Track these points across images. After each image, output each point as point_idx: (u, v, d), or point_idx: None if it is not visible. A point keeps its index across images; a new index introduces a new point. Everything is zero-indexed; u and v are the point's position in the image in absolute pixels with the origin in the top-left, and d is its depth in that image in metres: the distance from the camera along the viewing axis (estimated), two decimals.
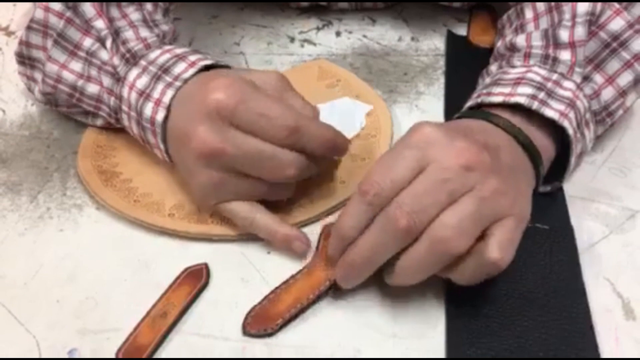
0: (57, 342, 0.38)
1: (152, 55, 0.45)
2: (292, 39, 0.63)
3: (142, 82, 0.44)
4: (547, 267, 0.41)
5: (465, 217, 0.34)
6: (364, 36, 0.63)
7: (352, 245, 0.37)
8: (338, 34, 0.64)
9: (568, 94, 0.43)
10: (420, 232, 0.35)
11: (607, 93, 0.44)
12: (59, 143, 0.52)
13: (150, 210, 0.45)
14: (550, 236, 0.43)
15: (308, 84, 0.56)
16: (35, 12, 0.48)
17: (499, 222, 0.35)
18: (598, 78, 0.44)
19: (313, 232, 0.43)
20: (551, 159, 0.43)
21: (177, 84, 0.43)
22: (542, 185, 0.43)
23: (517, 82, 0.43)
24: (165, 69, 0.44)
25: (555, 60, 0.44)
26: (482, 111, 0.43)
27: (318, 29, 0.65)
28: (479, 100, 0.43)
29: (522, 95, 0.42)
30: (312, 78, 0.57)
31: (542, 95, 0.42)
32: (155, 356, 0.37)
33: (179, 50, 0.46)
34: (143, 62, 0.45)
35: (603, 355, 0.36)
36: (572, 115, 0.42)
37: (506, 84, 0.43)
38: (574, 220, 0.44)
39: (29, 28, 0.48)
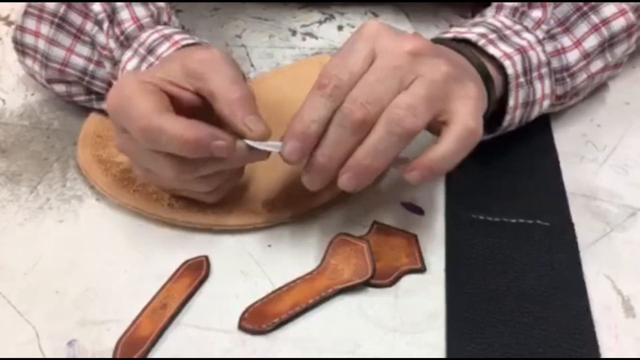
0: (57, 333, 0.38)
1: (143, 36, 0.46)
2: (294, 32, 0.63)
3: (132, 64, 0.45)
4: (547, 264, 0.41)
5: (417, 98, 0.35)
6: None
7: (315, 149, 0.37)
8: (340, 27, 0.64)
9: (523, 42, 0.44)
10: (376, 122, 0.36)
11: (572, 55, 0.45)
12: (58, 134, 0.52)
13: (150, 200, 0.44)
14: (551, 233, 0.43)
15: (309, 79, 0.56)
16: None
17: (458, 101, 0.37)
18: (566, 41, 0.45)
19: (322, 237, 0.43)
20: (496, 98, 0.43)
21: (156, 63, 0.43)
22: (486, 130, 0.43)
23: (475, 24, 0.45)
24: (150, 50, 0.45)
25: (524, 14, 0.45)
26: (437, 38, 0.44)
27: (320, 22, 0.64)
28: (434, 38, 0.44)
29: (473, 33, 0.43)
30: (313, 73, 0.56)
31: (493, 36, 0.43)
32: (155, 348, 0.37)
33: (167, 31, 0.46)
34: (135, 45, 0.46)
35: (603, 353, 0.36)
36: (517, 59, 0.43)
37: (465, 26, 0.45)
38: (575, 218, 0.44)
39: (25, 13, 0.49)
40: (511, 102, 0.43)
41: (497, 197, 0.45)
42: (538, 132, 0.50)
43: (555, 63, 0.45)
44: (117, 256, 0.42)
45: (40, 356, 0.37)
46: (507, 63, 0.42)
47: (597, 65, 0.47)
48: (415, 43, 0.36)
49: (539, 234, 0.43)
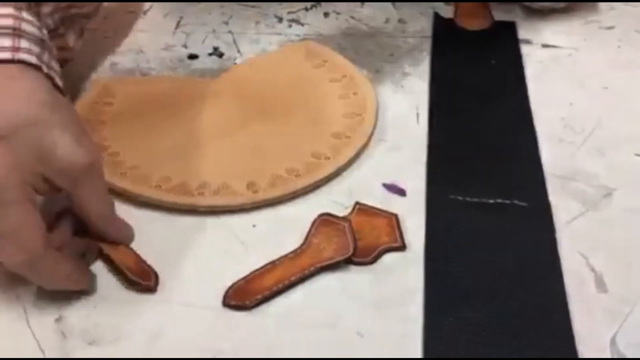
0: (45, 310, 0.39)
1: None
2: (280, 19, 0.64)
3: None
4: (524, 242, 0.42)
5: None
6: (352, 17, 0.64)
7: None
8: (326, 14, 0.64)
9: None
10: None
11: None
12: None
13: (137, 182, 0.45)
14: (528, 213, 0.44)
15: (295, 65, 0.57)
16: None
17: None
18: None
19: (305, 218, 0.44)
20: None
21: None
22: None
23: None
24: None
25: None
26: None
27: (306, 9, 0.65)
28: None
29: None
30: (299, 59, 0.57)
31: None
32: (142, 323, 0.38)
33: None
34: None
35: (575, 326, 0.37)
36: None
37: None
38: (552, 198, 0.45)
39: None
40: None
41: (476, 178, 0.47)
42: (518, 114, 0.52)
43: None
44: None
45: (29, 333, 0.38)
46: None
47: None
48: None
49: (517, 214, 0.44)
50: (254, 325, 0.38)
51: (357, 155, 0.48)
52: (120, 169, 0.47)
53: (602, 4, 0.64)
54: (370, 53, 0.59)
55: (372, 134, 0.50)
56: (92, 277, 0.40)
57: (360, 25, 0.63)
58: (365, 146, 0.49)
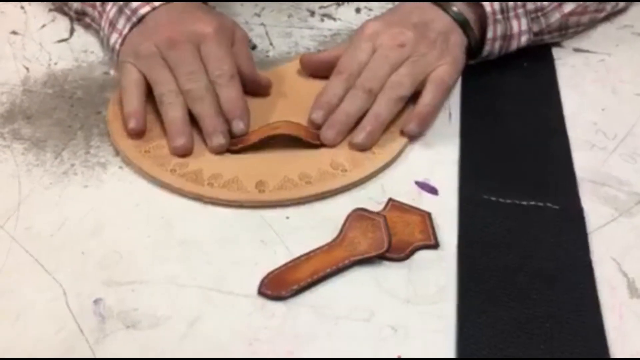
0: (83, 291, 0.39)
1: None
2: (313, 13, 0.64)
3: (112, 12, 0.54)
4: (556, 245, 0.42)
5: (404, 74, 0.50)
6: None
7: (334, 111, 0.50)
8: (358, 10, 0.65)
9: None
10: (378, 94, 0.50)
11: None
12: (82, 103, 0.53)
13: (155, 163, 0.46)
14: (560, 216, 0.44)
15: None
16: None
17: (435, 70, 0.51)
18: None
19: (337, 212, 0.44)
20: (475, 35, 0.54)
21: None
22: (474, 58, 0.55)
23: None
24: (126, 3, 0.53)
25: None
26: None
27: (338, 4, 0.65)
28: None
29: None
30: None
31: None
32: (176, 308, 0.39)
33: None
34: None
35: (607, 330, 0.38)
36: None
37: None
38: (584, 202, 0.45)
39: None
40: (489, 34, 0.53)
41: (509, 179, 0.47)
42: (550, 117, 0.52)
43: (530, 5, 0.54)
44: (140, 222, 0.44)
45: (68, 312, 0.38)
46: (485, 3, 0.52)
47: (569, 7, 0.56)
48: (401, 38, 0.51)
49: (549, 217, 0.44)
50: (289, 315, 0.39)
51: (375, 173, 0.47)
52: (146, 146, 0.47)
53: (635, 10, 0.64)
54: None
55: (399, 153, 0.49)
56: None
57: None
58: (387, 165, 0.48)
